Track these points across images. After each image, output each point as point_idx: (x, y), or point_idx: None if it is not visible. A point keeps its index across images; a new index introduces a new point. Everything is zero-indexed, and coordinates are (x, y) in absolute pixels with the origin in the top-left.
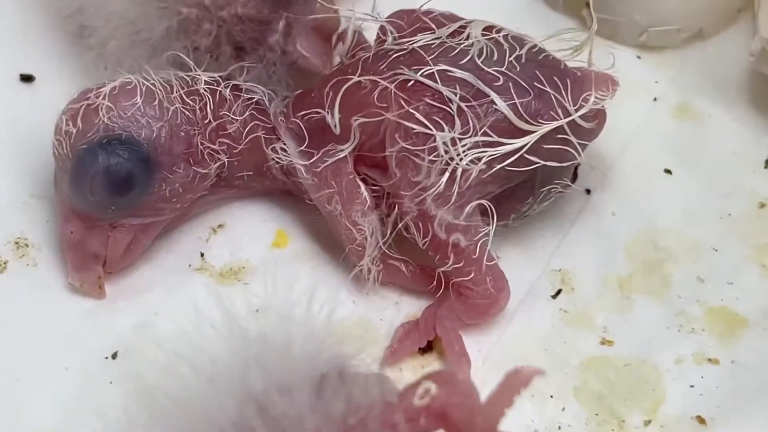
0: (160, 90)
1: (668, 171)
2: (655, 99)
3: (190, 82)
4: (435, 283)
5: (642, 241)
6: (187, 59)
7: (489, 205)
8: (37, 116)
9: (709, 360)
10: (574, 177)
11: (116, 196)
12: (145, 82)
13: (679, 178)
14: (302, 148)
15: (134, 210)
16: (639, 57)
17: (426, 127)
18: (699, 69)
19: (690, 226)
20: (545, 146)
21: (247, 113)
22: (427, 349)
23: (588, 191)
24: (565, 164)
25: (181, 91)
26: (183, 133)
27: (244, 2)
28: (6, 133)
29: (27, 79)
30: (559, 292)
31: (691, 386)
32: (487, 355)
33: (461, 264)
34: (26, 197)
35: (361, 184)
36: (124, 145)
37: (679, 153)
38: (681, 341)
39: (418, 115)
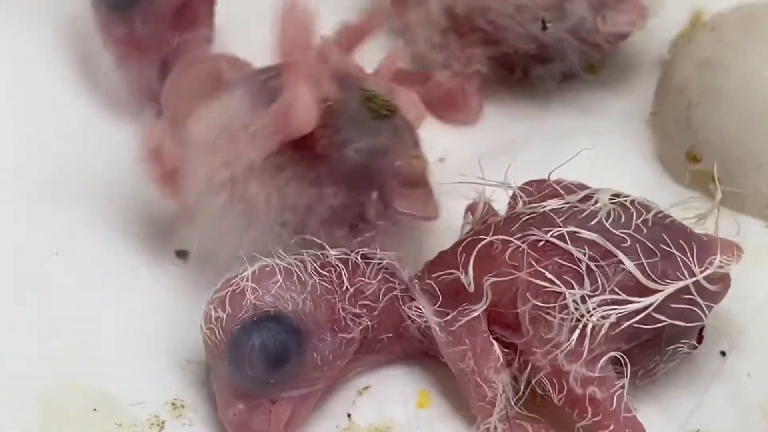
0: (295, 267)
1: None
2: None
3: (321, 257)
4: None
5: None
6: (316, 239)
7: (622, 356)
8: (190, 289)
9: None
10: (700, 339)
11: (274, 368)
12: (280, 262)
13: None
14: (436, 307)
15: (291, 382)
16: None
17: (557, 285)
18: None
19: None
20: (672, 305)
21: (380, 276)
22: None
23: (723, 353)
24: (691, 324)
25: (315, 265)
26: (325, 302)
27: (333, 194)
28: (165, 305)
29: (181, 254)
30: None
31: None
32: None
33: (599, 417)
34: (182, 361)
35: (494, 342)
36: (274, 320)
37: None
38: None
39: (548, 274)
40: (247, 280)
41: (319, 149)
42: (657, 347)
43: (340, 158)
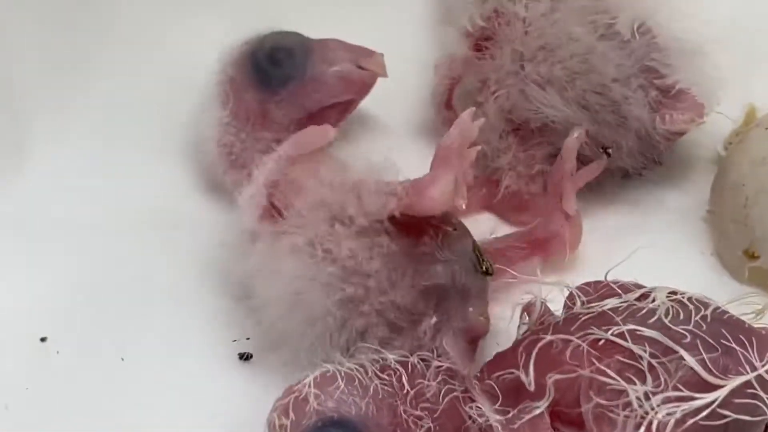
0: (356, 372)
1: None
2: None
3: (381, 360)
4: None
5: None
6: (376, 346)
7: None
8: (252, 391)
9: None
10: None
11: None
12: (341, 367)
13: None
14: (497, 406)
15: None
16: None
17: (619, 382)
18: None
19: None
20: (735, 400)
21: (439, 377)
22: None
23: None
24: (756, 419)
25: (375, 369)
26: (386, 406)
27: (402, 294)
28: (229, 410)
29: (244, 357)
30: None
31: None
32: None
33: None
34: None
35: None
36: (337, 425)
37: None
38: None
39: (610, 372)
40: (310, 387)
41: (422, 246)
42: None
43: (431, 271)
